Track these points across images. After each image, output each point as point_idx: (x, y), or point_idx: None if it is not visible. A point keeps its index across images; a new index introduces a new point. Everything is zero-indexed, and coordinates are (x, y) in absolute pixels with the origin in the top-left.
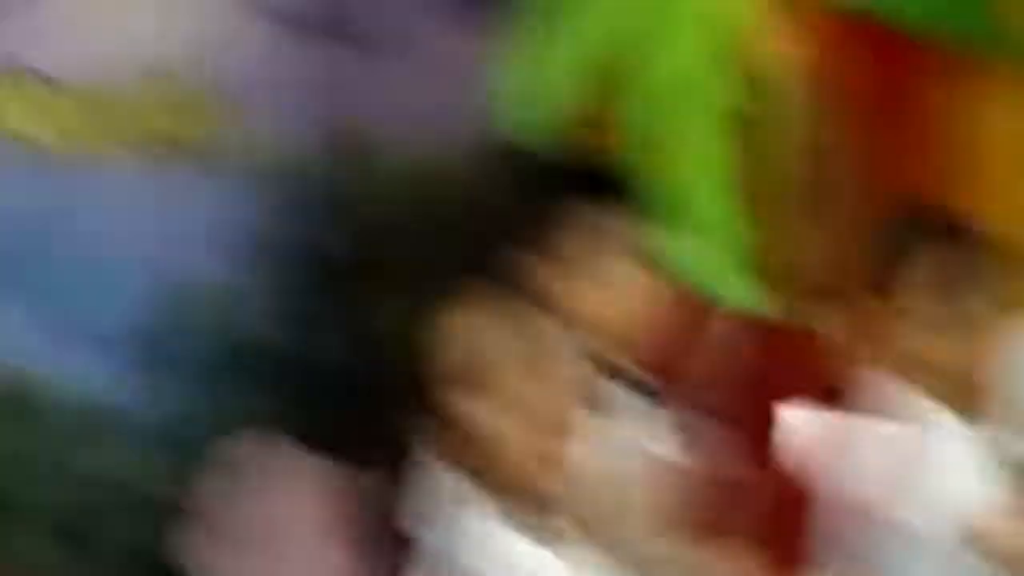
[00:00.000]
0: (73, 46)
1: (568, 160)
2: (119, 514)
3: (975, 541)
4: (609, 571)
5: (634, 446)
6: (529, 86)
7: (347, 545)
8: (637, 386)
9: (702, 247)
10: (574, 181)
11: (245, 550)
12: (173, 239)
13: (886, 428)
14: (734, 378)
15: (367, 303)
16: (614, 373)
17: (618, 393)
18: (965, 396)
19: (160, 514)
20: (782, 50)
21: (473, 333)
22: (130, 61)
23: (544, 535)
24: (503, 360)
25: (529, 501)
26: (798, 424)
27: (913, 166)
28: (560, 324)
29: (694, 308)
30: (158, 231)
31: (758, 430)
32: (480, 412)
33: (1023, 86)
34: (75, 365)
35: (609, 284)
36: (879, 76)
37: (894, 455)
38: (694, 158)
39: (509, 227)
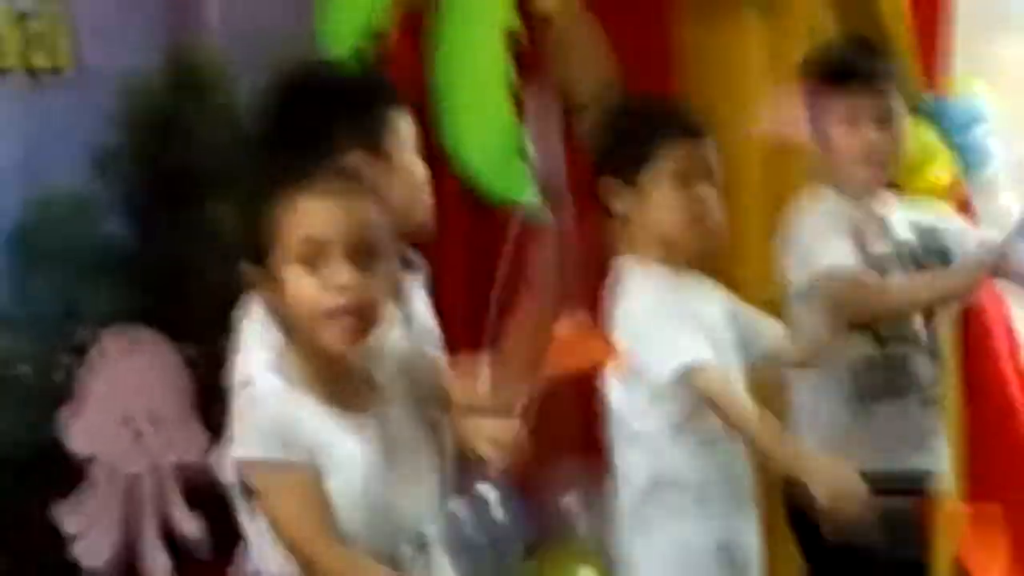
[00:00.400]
0: None
1: (377, 74)
2: None
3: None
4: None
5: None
6: (345, 15)
7: (188, 405)
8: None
9: (489, 149)
10: (383, 92)
11: (108, 419)
12: (35, 154)
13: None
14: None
15: (203, 207)
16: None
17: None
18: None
19: (31, 395)
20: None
21: (307, 217)
22: None
23: (345, 406)
24: (334, 240)
25: (338, 373)
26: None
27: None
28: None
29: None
30: (23, 147)
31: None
32: (308, 288)
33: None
34: None
35: (404, 176)
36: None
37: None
38: (481, 72)
39: (330, 133)
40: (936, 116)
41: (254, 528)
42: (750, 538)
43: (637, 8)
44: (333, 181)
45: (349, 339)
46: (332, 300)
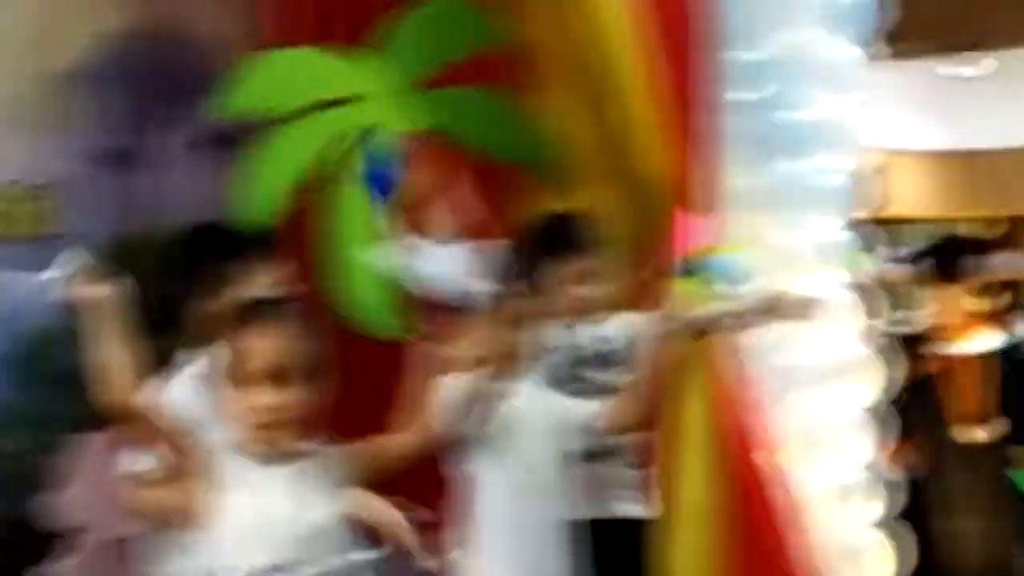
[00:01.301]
0: None
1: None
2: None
3: None
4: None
5: None
6: (247, 194)
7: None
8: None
9: (363, 294)
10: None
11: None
12: (15, 298)
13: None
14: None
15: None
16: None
17: None
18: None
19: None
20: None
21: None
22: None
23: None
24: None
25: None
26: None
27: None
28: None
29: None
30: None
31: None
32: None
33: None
34: None
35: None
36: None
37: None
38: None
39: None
40: (704, 269)
41: None
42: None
43: None
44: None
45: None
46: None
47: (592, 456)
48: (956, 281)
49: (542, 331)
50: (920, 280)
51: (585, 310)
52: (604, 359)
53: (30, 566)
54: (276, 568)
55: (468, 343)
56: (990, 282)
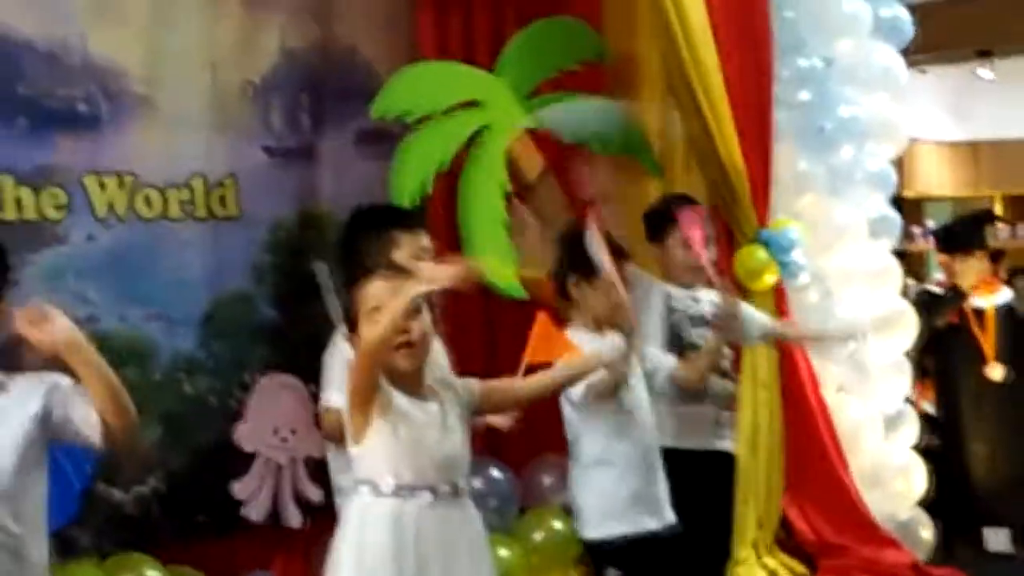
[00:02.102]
0: (175, 164)
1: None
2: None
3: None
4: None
5: None
6: (400, 178)
7: (311, 421)
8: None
9: (487, 259)
10: (416, 221)
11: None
12: (213, 273)
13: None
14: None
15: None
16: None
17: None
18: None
19: (215, 416)
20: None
21: (370, 290)
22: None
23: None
24: (384, 300)
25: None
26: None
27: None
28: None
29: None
30: (199, 269)
31: None
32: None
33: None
34: (173, 336)
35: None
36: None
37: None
38: (484, 216)
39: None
40: (764, 241)
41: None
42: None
43: None
44: (380, 275)
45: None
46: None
47: (689, 398)
48: (976, 249)
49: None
50: (946, 249)
51: (687, 276)
52: (693, 320)
53: (221, 486)
54: (420, 487)
55: (593, 303)
56: (998, 249)
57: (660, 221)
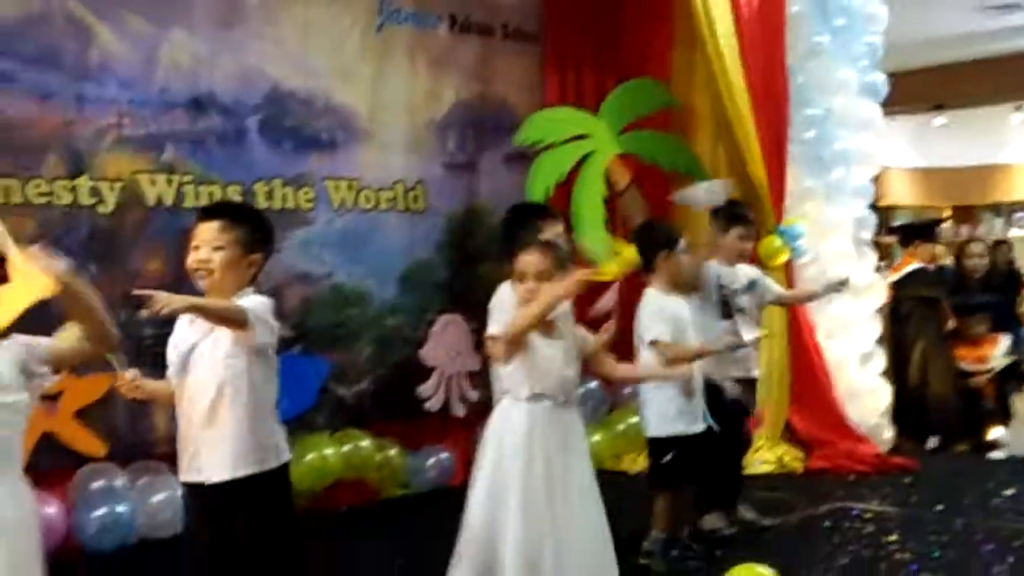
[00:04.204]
0: (385, 174)
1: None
2: (393, 341)
3: None
4: None
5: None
6: (534, 186)
7: (472, 348)
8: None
9: (592, 243)
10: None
11: (442, 352)
12: (408, 246)
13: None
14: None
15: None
16: None
17: None
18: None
19: (408, 344)
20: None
21: (523, 261)
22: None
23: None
24: (530, 272)
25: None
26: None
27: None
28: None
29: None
30: (399, 244)
31: None
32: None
33: None
34: (374, 285)
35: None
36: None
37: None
38: (590, 207)
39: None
40: (781, 233)
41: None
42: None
43: None
44: (535, 248)
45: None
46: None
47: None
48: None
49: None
50: (902, 241)
51: (740, 258)
52: (737, 291)
53: (411, 387)
54: (545, 396)
55: (672, 272)
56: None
57: (724, 220)
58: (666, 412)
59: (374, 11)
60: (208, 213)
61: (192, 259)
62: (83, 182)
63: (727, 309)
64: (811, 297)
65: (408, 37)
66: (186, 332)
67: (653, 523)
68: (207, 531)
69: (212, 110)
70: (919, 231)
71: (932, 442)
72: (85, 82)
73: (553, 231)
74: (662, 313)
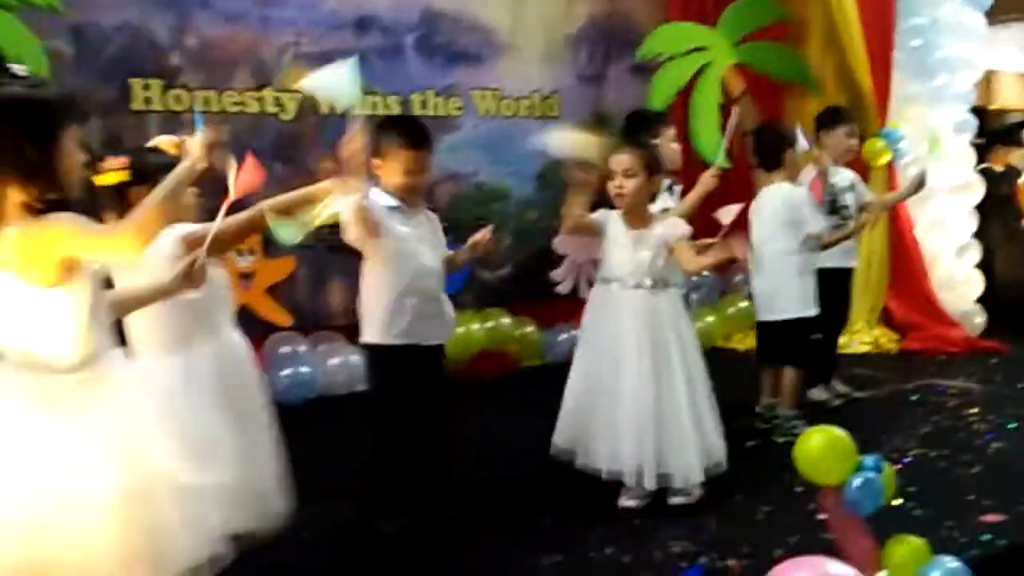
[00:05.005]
0: (524, 84)
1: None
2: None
3: None
4: None
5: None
6: (656, 93)
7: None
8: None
9: (706, 146)
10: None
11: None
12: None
13: None
14: None
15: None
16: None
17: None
18: None
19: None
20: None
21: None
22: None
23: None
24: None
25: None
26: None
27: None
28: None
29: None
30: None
31: None
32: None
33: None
34: (514, 183)
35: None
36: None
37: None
38: (708, 110)
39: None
40: (883, 135)
41: None
42: None
43: None
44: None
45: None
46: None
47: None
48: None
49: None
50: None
51: (847, 154)
52: (844, 189)
53: (545, 272)
54: (636, 283)
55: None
56: None
57: (830, 120)
58: (774, 296)
59: None
60: None
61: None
62: (268, 93)
63: (833, 205)
64: (897, 199)
65: None
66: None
67: (775, 395)
68: (422, 386)
69: (374, 29)
70: (1000, 135)
71: None
72: (268, 6)
73: (665, 136)
74: (806, 205)
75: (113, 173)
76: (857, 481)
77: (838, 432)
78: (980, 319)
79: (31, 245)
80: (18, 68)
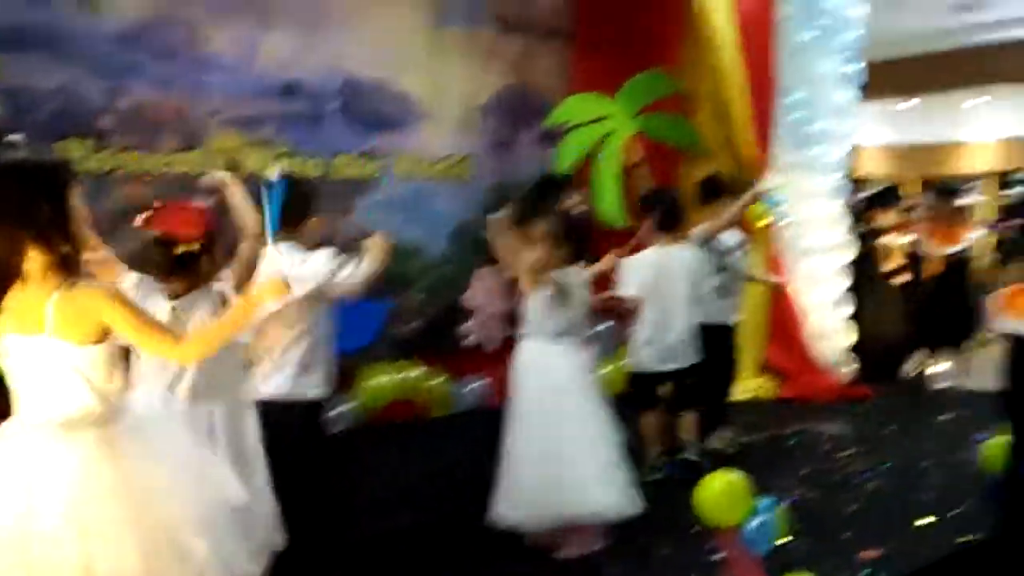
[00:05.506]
0: (440, 148)
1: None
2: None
3: None
4: None
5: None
6: (560, 160)
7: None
8: None
9: (606, 206)
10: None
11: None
12: (456, 210)
13: None
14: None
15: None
16: None
17: None
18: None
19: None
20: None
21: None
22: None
23: None
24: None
25: None
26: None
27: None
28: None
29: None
30: (449, 207)
31: None
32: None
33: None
34: (428, 241)
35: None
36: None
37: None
38: (608, 183)
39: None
40: (765, 200)
41: None
42: None
43: None
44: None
45: None
46: None
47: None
48: (888, 208)
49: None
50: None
51: (732, 225)
52: (725, 251)
53: (456, 326)
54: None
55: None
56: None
57: (714, 189)
58: (648, 353)
59: (432, 14)
60: None
61: None
62: (195, 155)
63: (721, 265)
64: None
65: (460, 35)
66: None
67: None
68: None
69: (298, 95)
70: (875, 200)
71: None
72: (197, 72)
73: (571, 201)
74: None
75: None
76: (755, 522)
77: (736, 476)
78: (851, 367)
79: (73, 309)
80: (15, 137)
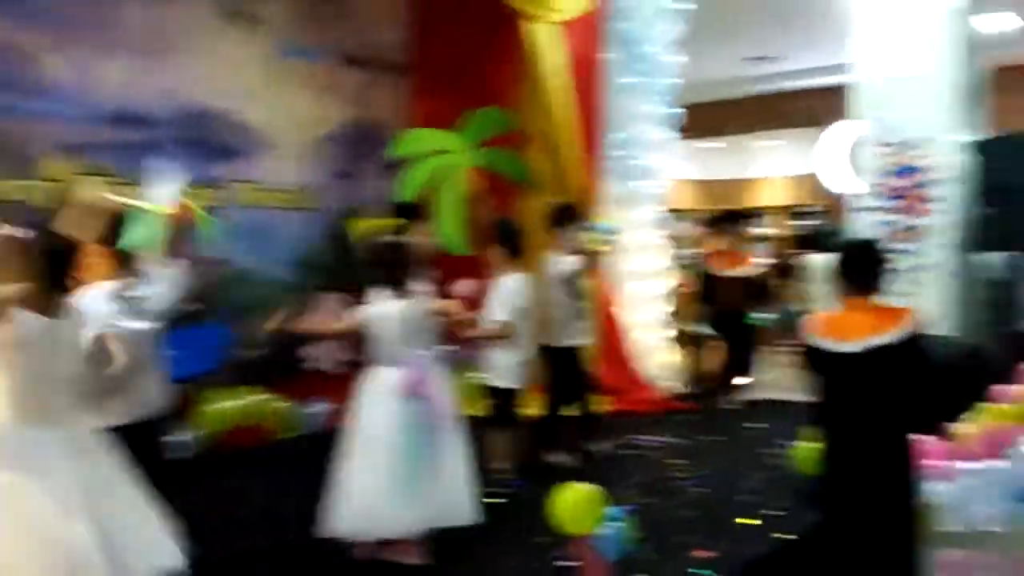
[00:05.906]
0: (283, 178)
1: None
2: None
3: None
4: None
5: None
6: (403, 190)
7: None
8: None
9: (448, 235)
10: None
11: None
12: (300, 238)
13: None
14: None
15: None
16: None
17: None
18: None
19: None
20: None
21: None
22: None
23: None
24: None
25: None
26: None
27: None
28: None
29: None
30: (296, 236)
31: None
32: None
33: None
34: (271, 268)
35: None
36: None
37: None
38: (450, 213)
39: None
40: (596, 228)
41: None
42: None
43: None
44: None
45: None
46: None
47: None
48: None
49: None
50: (707, 234)
51: (571, 248)
52: (573, 276)
53: (296, 349)
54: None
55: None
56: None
57: (568, 216)
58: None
59: (275, 45)
60: None
61: None
62: (30, 183)
63: (570, 290)
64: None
65: (302, 68)
66: None
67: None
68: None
69: (136, 123)
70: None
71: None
72: (34, 100)
73: (420, 230)
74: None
75: None
76: (607, 530)
77: (588, 487)
78: (673, 383)
79: None
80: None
